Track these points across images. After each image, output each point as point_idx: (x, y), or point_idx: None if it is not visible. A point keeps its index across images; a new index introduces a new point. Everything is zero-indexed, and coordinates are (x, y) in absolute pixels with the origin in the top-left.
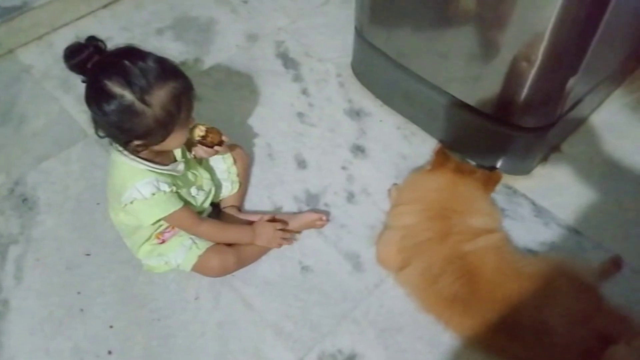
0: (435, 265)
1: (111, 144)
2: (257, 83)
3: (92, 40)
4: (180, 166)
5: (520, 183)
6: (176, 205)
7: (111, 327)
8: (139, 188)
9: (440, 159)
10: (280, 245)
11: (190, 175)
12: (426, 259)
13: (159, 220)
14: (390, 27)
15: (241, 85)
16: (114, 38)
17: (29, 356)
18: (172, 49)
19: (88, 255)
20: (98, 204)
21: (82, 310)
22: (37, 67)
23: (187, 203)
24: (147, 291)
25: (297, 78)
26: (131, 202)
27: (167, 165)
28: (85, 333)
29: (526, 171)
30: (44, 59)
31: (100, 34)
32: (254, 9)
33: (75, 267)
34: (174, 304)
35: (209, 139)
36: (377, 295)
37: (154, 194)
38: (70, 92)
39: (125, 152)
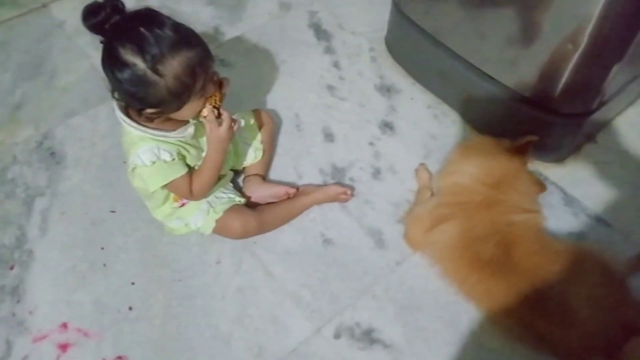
0: (480, 227)
1: (118, 109)
2: (287, 53)
3: (110, 1)
4: (190, 129)
5: (551, 171)
6: (178, 173)
7: (133, 283)
8: (139, 155)
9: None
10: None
11: (204, 139)
12: (469, 219)
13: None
14: (430, 1)
15: (272, 54)
16: None
17: (51, 306)
18: (205, 13)
19: (113, 212)
20: (124, 162)
21: (105, 265)
22: (70, 22)
23: (191, 169)
24: (170, 252)
25: (329, 50)
26: (133, 169)
27: (174, 130)
28: (107, 288)
29: (559, 159)
30: (78, 15)
31: None
32: None
33: (99, 223)
34: (195, 266)
35: (211, 103)
36: (398, 273)
37: (154, 162)
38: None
39: (128, 120)
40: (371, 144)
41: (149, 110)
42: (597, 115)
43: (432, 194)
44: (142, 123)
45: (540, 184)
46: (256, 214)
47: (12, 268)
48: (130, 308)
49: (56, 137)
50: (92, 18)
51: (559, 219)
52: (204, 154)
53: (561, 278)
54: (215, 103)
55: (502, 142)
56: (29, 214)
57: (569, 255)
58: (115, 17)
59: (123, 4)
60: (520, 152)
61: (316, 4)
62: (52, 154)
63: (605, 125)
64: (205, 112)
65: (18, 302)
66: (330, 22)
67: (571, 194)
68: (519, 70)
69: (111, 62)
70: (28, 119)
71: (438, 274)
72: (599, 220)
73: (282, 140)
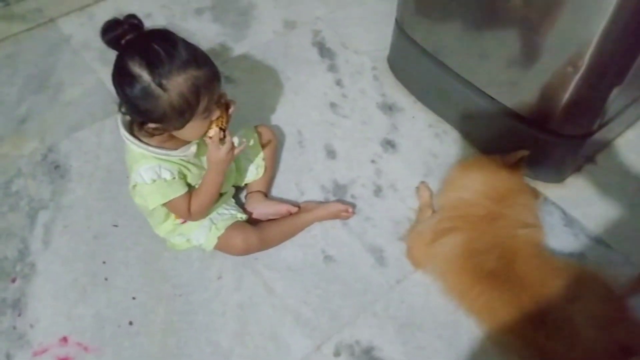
0: (482, 239)
1: (123, 126)
2: (291, 70)
3: (130, 18)
4: (193, 148)
5: (551, 191)
6: (177, 192)
7: (134, 298)
8: (141, 173)
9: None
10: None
11: (205, 158)
12: (472, 232)
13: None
14: (433, 22)
15: (276, 71)
16: (154, 15)
17: (52, 320)
18: (210, 30)
19: (115, 226)
20: (128, 176)
21: (106, 279)
22: (77, 37)
23: (192, 188)
24: (171, 267)
25: (332, 68)
26: (134, 186)
27: (176, 149)
28: (108, 302)
29: (559, 180)
30: (84, 30)
31: (140, 10)
32: None
33: (102, 237)
34: (196, 282)
35: (217, 124)
36: (398, 291)
37: (154, 181)
38: (107, 65)
39: (131, 138)
40: (373, 161)
41: (151, 125)
42: (597, 137)
43: (433, 212)
44: (144, 140)
45: (535, 192)
46: (258, 231)
47: (14, 281)
48: (130, 323)
49: (61, 150)
50: (109, 33)
51: (559, 240)
52: (204, 172)
53: (562, 294)
54: (222, 124)
55: (494, 158)
56: (32, 226)
57: (569, 273)
58: (132, 33)
59: (141, 22)
60: (514, 167)
61: (320, 22)
62: (57, 167)
63: (605, 146)
64: (211, 132)
65: (19, 315)
66: (334, 40)
67: (571, 214)
68: (519, 91)
69: (119, 73)
70: (33, 132)
71: (439, 291)
72: (599, 241)
73: (285, 156)
